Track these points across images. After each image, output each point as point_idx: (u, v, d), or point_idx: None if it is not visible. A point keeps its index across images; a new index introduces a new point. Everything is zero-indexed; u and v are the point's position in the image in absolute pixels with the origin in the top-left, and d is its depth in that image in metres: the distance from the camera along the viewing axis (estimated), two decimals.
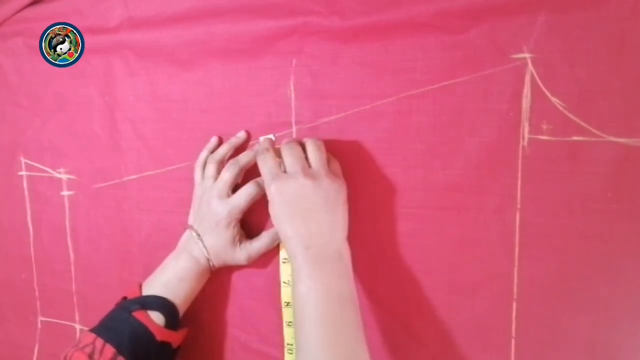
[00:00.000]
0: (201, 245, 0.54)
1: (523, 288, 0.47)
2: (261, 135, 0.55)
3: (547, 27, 0.43)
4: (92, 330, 0.51)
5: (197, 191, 0.57)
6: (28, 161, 0.70)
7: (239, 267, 0.58)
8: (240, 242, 0.55)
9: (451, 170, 0.48)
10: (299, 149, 0.49)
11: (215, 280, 0.60)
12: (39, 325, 0.73)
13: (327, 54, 0.51)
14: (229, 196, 0.53)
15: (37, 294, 0.73)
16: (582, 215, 0.44)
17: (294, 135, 0.54)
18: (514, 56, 0.44)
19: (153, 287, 0.54)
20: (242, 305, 0.59)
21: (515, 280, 0.47)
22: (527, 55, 0.44)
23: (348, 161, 0.52)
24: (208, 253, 0.54)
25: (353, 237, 0.48)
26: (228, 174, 0.53)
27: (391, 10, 0.48)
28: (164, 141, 0.61)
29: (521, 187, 0.46)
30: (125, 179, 0.64)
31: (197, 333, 0.62)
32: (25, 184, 0.71)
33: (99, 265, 0.67)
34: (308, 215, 0.46)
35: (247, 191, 0.52)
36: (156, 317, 0.51)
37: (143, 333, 0.50)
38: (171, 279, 0.54)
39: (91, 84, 0.64)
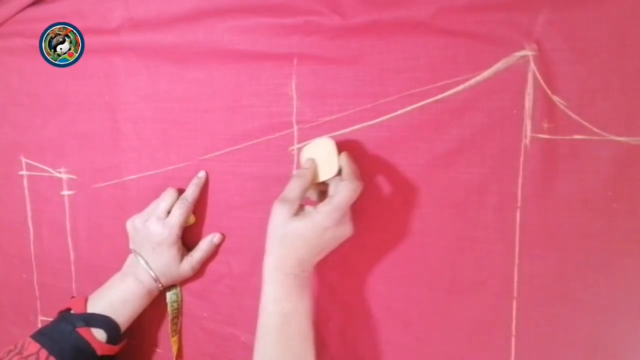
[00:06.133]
0: (147, 268, 0.56)
1: (523, 287, 0.47)
2: (262, 135, 0.55)
3: (549, 25, 0.43)
4: (37, 339, 0.53)
5: (130, 227, 0.59)
6: (28, 161, 0.70)
7: (237, 267, 0.58)
8: (182, 257, 0.58)
9: (452, 168, 0.48)
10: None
11: (215, 280, 0.60)
12: (39, 324, 0.73)
13: (329, 54, 0.51)
14: (165, 218, 0.56)
15: (37, 293, 0.73)
16: (583, 213, 0.44)
17: (295, 135, 0.54)
18: (516, 54, 0.44)
19: (98, 305, 0.56)
20: (242, 305, 0.59)
21: (516, 279, 0.47)
22: (529, 52, 0.44)
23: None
24: (155, 275, 0.57)
25: (353, 236, 0.48)
26: (178, 210, 0.56)
27: (392, 10, 0.48)
28: (164, 141, 0.61)
29: (522, 185, 0.46)
30: (126, 179, 0.64)
31: (197, 333, 0.62)
32: (25, 184, 0.71)
33: (99, 265, 0.67)
34: (316, 246, 0.47)
35: (180, 208, 0.56)
36: (98, 334, 0.54)
37: (85, 348, 0.53)
38: (116, 299, 0.56)
39: (92, 84, 0.64)
